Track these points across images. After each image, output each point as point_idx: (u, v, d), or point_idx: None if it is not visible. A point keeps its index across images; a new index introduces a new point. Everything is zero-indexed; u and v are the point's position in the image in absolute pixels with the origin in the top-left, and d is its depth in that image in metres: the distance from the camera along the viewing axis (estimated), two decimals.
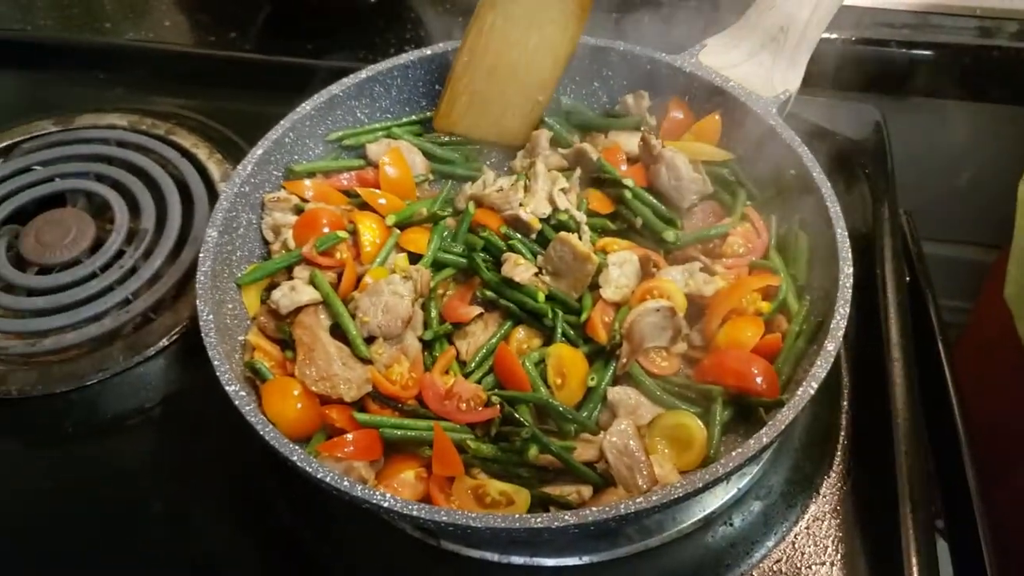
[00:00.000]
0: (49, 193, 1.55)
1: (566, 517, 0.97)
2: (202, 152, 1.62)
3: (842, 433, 1.25)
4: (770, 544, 1.15)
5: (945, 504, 1.30)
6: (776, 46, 1.39)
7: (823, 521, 1.17)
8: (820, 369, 1.07)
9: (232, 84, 1.79)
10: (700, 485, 0.99)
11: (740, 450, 1.00)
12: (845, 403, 1.28)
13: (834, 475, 1.21)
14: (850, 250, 1.17)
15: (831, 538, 1.15)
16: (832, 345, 1.09)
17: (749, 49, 1.40)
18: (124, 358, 1.36)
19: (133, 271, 1.44)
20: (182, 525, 1.22)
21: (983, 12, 1.72)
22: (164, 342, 1.38)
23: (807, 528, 1.16)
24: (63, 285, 1.42)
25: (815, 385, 1.05)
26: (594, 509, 0.97)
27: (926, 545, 1.09)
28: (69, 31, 1.92)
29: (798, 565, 1.14)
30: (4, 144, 1.66)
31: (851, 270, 1.15)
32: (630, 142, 1.40)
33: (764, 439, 1.02)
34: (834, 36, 1.63)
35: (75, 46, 1.87)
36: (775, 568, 1.13)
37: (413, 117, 1.50)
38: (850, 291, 1.13)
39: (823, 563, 1.13)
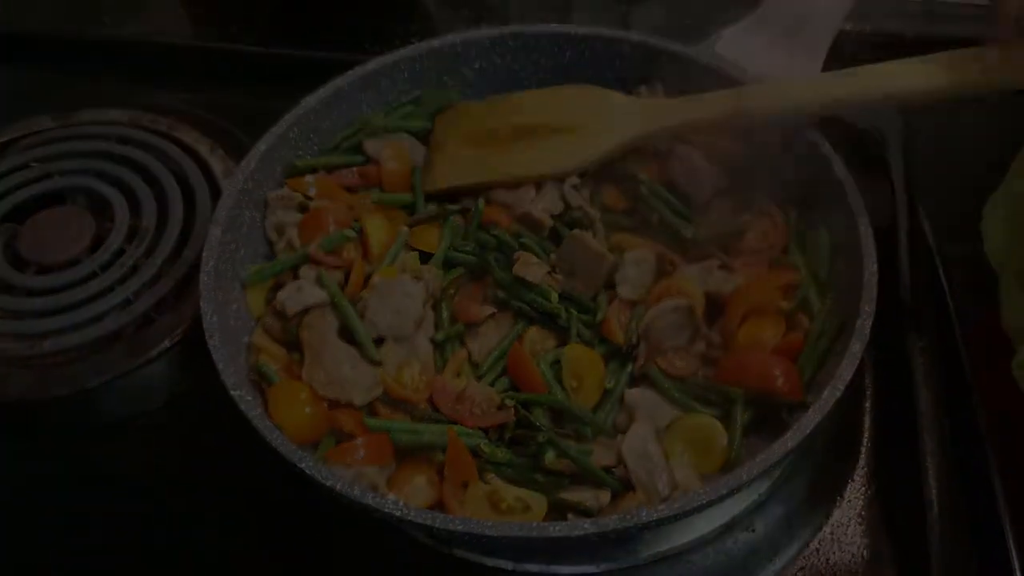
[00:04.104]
0: (48, 191, 1.51)
1: (585, 525, 0.94)
2: (204, 147, 1.58)
3: (865, 435, 1.22)
4: (793, 551, 1.12)
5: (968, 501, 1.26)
6: (794, 38, 1.36)
7: (848, 526, 1.14)
8: (846, 370, 1.03)
9: (235, 78, 1.75)
10: (724, 492, 0.96)
11: (764, 455, 0.97)
12: (868, 404, 1.25)
13: (858, 479, 1.18)
14: (874, 246, 1.14)
15: (856, 544, 1.12)
16: (858, 345, 1.05)
17: (766, 40, 1.37)
18: (126, 360, 1.33)
19: (134, 270, 1.40)
20: (186, 530, 1.19)
21: None
22: (167, 343, 1.34)
23: (831, 534, 1.13)
24: (62, 285, 1.39)
25: (841, 386, 1.02)
26: (614, 517, 0.94)
27: (955, 551, 1.06)
28: (67, 23, 1.88)
29: (823, 572, 1.10)
30: (1, 141, 1.62)
31: (875, 267, 1.12)
32: None
33: (790, 443, 0.98)
34: (850, 28, 1.59)
35: (73, 39, 1.83)
36: (798, 575, 1.10)
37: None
38: (875, 288, 1.10)
39: (849, 571, 1.10)
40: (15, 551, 1.18)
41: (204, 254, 1.18)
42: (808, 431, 0.99)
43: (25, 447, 1.29)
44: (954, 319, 1.40)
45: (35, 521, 1.20)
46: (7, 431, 1.30)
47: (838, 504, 1.16)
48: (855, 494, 1.16)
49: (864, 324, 1.07)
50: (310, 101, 1.36)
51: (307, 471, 0.99)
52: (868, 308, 1.08)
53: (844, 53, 1.41)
